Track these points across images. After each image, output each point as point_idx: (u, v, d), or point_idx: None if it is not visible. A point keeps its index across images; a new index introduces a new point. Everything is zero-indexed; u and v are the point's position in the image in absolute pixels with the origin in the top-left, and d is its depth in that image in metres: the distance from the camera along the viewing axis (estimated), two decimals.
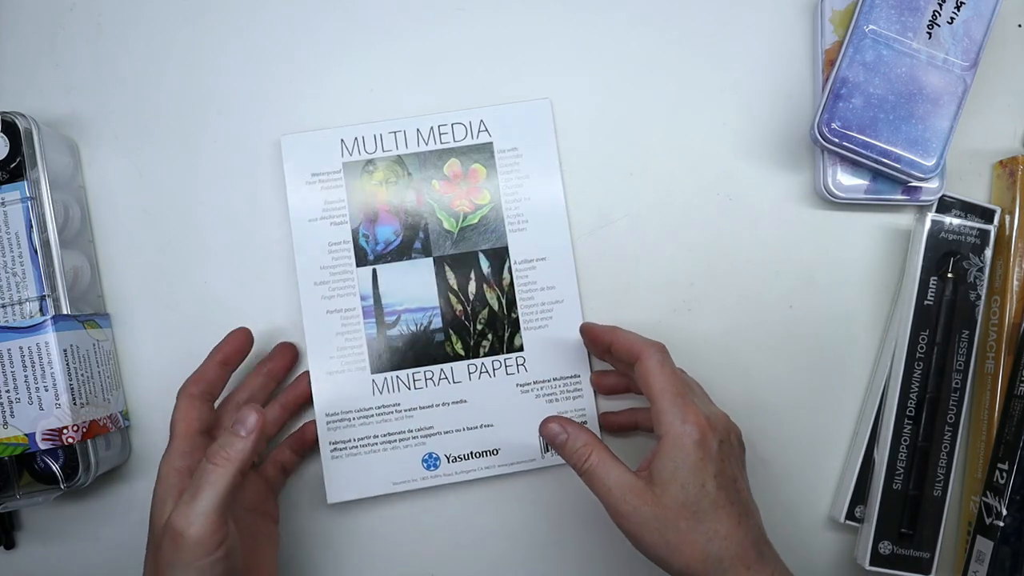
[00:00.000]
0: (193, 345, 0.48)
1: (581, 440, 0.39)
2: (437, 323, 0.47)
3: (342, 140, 0.47)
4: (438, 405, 0.46)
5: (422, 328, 0.47)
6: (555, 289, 0.47)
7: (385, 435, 0.46)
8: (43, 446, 0.42)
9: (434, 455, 0.46)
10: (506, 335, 0.47)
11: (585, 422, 0.46)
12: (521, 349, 0.47)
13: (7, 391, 0.42)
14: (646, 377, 0.39)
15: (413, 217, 0.47)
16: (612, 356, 0.44)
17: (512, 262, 0.47)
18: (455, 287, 0.47)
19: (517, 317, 0.47)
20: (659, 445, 0.38)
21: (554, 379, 0.47)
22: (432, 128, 0.48)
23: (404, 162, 0.47)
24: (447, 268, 0.47)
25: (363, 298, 0.47)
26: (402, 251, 0.47)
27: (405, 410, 0.46)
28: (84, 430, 0.42)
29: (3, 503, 0.43)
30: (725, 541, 0.36)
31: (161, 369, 0.48)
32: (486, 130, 0.48)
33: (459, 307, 0.47)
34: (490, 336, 0.47)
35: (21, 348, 0.42)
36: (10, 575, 0.48)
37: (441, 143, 0.47)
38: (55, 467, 0.43)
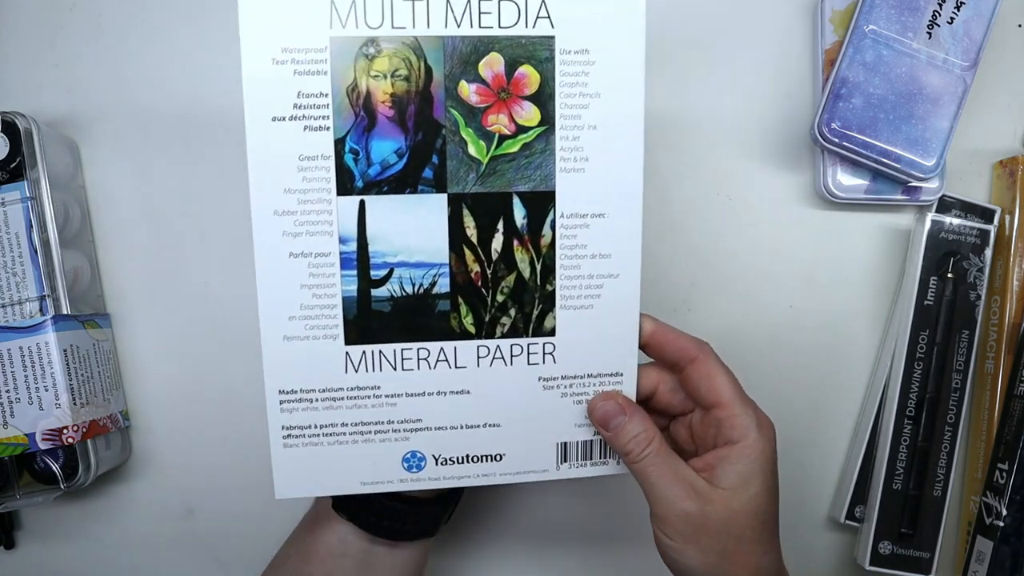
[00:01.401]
0: (193, 345, 0.48)
1: (641, 425, 0.35)
2: (443, 286, 0.35)
3: (333, 2, 0.33)
4: (432, 394, 0.36)
5: (421, 291, 0.35)
6: (611, 259, 0.36)
7: (357, 424, 0.36)
8: (43, 446, 0.42)
9: (419, 454, 0.37)
10: (535, 313, 0.36)
11: None
12: (552, 333, 0.36)
13: (7, 391, 0.42)
14: (711, 380, 0.36)
15: (427, 132, 0.34)
16: (649, 351, 0.38)
17: (559, 214, 0.36)
18: (474, 240, 0.35)
19: (554, 291, 0.36)
20: (729, 450, 0.34)
21: (589, 375, 0.37)
22: (469, 3, 0.34)
23: (422, 48, 0.34)
24: (466, 211, 0.35)
25: (343, 240, 0.34)
26: (405, 180, 0.34)
27: (387, 396, 0.36)
28: (84, 430, 0.42)
29: (3, 503, 0.43)
30: (773, 554, 0.35)
31: (161, 369, 0.48)
32: (547, 17, 0.34)
33: (476, 268, 0.36)
34: (513, 312, 0.36)
35: (21, 348, 0.42)
36: (10, 575, 0.48)
37: (480, 27, 0.34)
38: (55, 467, 0.43)
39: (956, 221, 0.46)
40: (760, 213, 0.49)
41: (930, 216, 0.46)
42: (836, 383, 0.49)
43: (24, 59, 0.48)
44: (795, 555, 0.46)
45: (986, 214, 0.47)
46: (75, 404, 0.42)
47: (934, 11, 0.45)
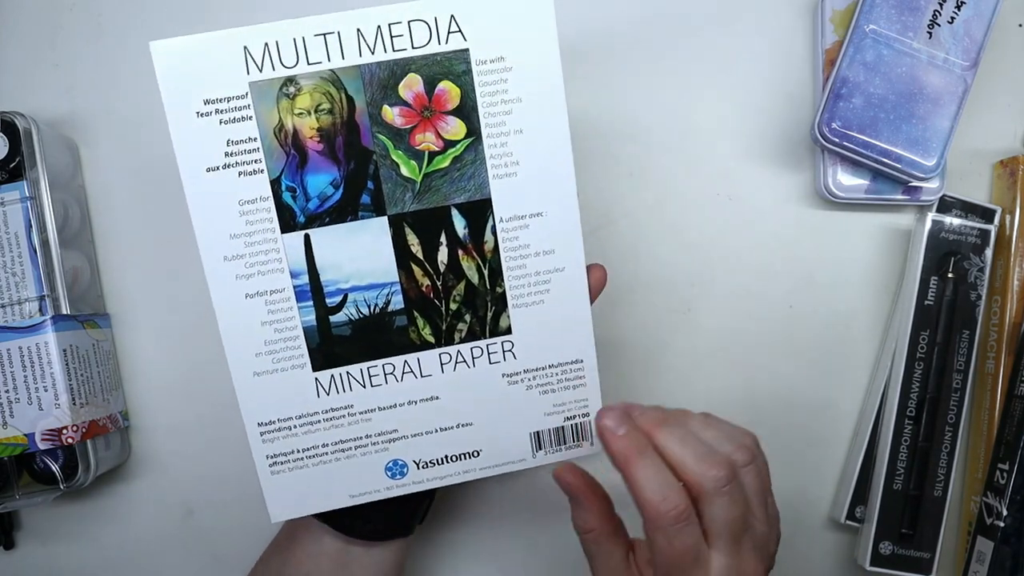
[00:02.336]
0: (193, 345, 0.48)
1: (583, 518, 0.35)
2: (397, 303, 0.37)
3: (246, 48, 0.34)
4: (403, 404, 0.38)
5: (377, 310, 0.37)
6: (554, 254, 0.37)
7: (337, 443, 0.37)
8: (42, 446, 0.42)
9: (400, 462, 0.38)
10: (489, 315, 0.37)
11: (587, 415, 0.39)
12: (509, 332, 0.38)
13: (6, 391, 0.42)
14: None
15: (358, 160, 0.35)
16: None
17: (497, 219, 0.37)
18: (419, 255, 0.36)
19: (504, 292, 0.37)
20: None
21: (550, 366, 0.38)
22: (380, 29, 0.34)
23: (340, 80, 0.34)
24: (408, 230, 0.36)
25: (294, 275, 0.36)
26: (344, 209, 0.35)
27: (360, 413, 0.37)
28: (84, 430, 0.42)
29: (3, 503, 0.43)
30: None
31: (161, 369, 0.48)
32: (459, 31, 0.35)
33: (426, 281, 0.37)
34: (468, 317, 0.37)
35: (21, 348, 0.42)
36: (10, 575, 0.48)
37: (394, 50, 0.34)
38: (54, 467, 0.43)
39: (956, 221, 0.46)
40: (760, 213, 0.49)
41: (930, 216, 0.46)
42: (836, 383, 0.49)
43: (24, 59, 0.48)
44: (795, 555, 0.46)
45: (986, 214, 0.47)
46: (75, 404, 0.42)
47: (934, 11, 0.45)
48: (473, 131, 0.36)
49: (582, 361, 0.39)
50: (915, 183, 0.46)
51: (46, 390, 0.42)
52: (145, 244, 0.48)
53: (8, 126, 0.42)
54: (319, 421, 0.37)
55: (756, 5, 0.49)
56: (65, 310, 0.43)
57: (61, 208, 0.44)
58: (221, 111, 0.34)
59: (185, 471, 0.48)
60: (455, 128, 0.35)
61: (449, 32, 0.35)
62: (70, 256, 0.44)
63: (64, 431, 0.42)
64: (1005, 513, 0.44)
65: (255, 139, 0.34)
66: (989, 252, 0.46)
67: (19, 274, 0.42)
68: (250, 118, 0.34)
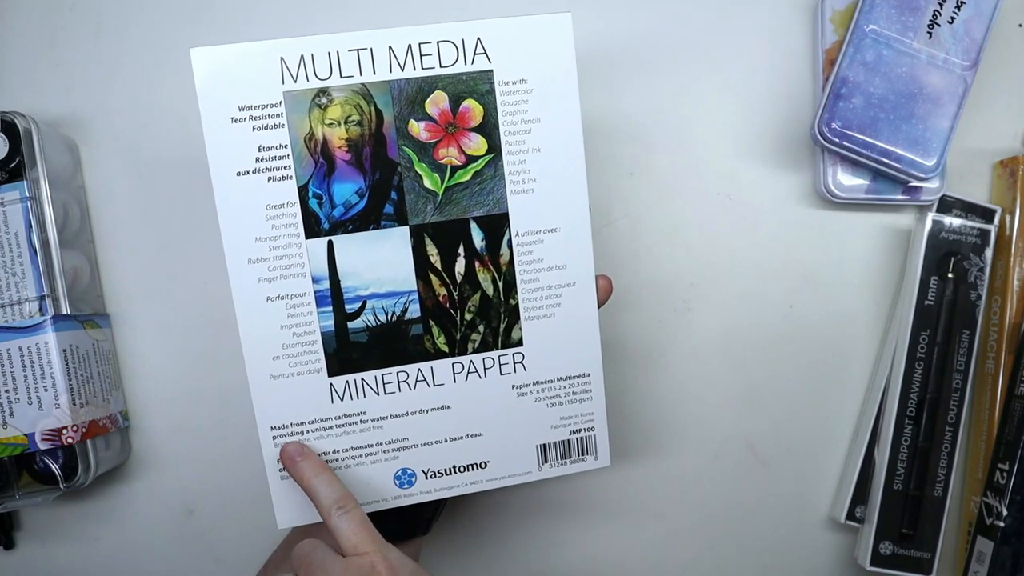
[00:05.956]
0: (193, 345, 0.48)
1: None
2: (414, 312, 0.38)
3: (283, 59, 0.35)
4: (414, 413, 0.38)
5: (394, 318, 0.38)
6: (566, 269, 0.38)
7: (348, 449, 0.38)
8: (42, 446, 0.42)
9: (409, 471, 0.39)
10: (502, 327, 0.39)
11: (592, 429, 0.40)
12: (520, 344, 0.39)
13: (7, 391, 0.42)
14: None
15: (383, 171, 0.36)
16: None
17: (514, 233, 0.38)
18: (438, 266, 0.38)
19: (517, 304, 0.38)
20: None
21: (559, 379, 0.39)
22: (410, 47, 0.36)
23: (371, 94, 0.36)
24: (428, 241, 0.37)
25: (316, 280, 0.37)
26: (368, 217, 0.37)
27: (372, 420, 0.38)
28: (83, 430, 0.42)
29: (3, 503, 0.43)
30: None
31: (161, 369, 0.48)
32: (484, 53, 0.36)
33: (443, 292, 0.38)
34: (481, 328, 0.38)
35: (21, 348, 0.42)
36: (10, 575, 0.48)
37: (423, 68, 0.36)
38: (54, 467, 0.43)
39: (956, 221, 0.46)
40: (760, 213, 0.49)
41: (930, 216, 0.46)
42: (836, 383, 0.49)
43: (24, 59, 0.48)
44: (795, 555, 0.46)
45: (986, 214, 0.47)
46: (74, 404, 0.42)
47: (934, 11, 0.45)
48: (494, 148, 0.37)
49: (589, 375, 0.40)
50: (915, 183, 0.46)
51: (46, 390, 0.42)
52: (145, 244, 0.48)
53: (8, 126, 0.42)
54: (332, 427, 0.38)
55: (756, 5, 0.49)
56: (65, 310, 0.43)
57: (61, 208, 0.44)
58: (255, 118, 0.35)
59: (185, 471, 0.48)
60: (477, 144, 0.37)
61: (475, 54, 0.36)
62: (70, 256, 0.44)
63: (64, 431, 0.42)
64: (1005, 513, 0.44)
65: (286, 146, 0.35)
66: (989, 252, 0.46)
67: (19, 274, 0.42)
68: (282, 126, 0.35)
